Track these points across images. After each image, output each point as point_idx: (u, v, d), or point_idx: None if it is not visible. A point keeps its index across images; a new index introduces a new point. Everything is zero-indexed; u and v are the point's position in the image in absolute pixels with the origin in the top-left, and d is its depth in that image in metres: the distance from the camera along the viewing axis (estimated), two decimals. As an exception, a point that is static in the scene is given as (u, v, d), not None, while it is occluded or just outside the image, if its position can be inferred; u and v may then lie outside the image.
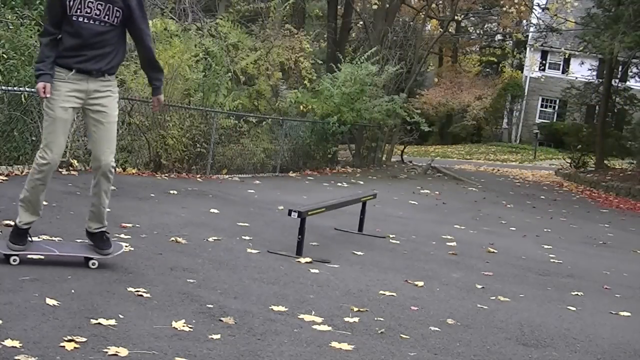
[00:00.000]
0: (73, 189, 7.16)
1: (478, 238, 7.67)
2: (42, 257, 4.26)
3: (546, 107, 37.88)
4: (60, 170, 8.22)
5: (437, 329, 3.89)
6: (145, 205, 6.89)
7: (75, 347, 2.97)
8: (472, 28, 42.90)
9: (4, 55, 8.40)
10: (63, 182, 7.49)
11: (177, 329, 3.36)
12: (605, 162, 21.83)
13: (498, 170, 23.84)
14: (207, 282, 4.33)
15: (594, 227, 10.07)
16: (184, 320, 3.47)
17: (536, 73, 37.13)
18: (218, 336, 3.33)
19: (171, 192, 8.04)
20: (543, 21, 25.47)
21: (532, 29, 29.40)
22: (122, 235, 5.32)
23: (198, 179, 10.28)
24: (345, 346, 3.39)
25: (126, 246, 4.94)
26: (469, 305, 4.52)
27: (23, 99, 8.13)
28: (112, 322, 3.33)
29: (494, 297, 4.81)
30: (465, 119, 37.25)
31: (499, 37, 41.59)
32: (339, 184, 12.60)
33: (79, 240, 4.80)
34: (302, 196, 9.73)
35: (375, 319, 3.95)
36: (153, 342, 3.16)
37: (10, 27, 8.96)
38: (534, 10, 26.58)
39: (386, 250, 6.26)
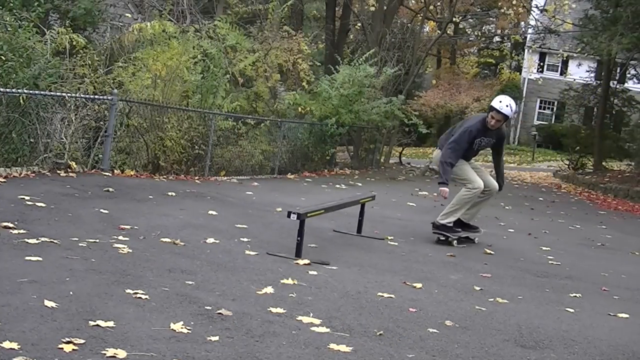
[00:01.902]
0: (71, 190, 7.15)
1: (476, 240, 7.66)
2: None
3: (544, 109, 37.94)
4: (58, 172, 8.22)
5: (435, 330, 3.89)
6: (143, 207, 6.89)
7: (73, 349, 2.97)
8: (470, 30, 42.96)
9: (2, 57, 8.40)
10: (61, 183, 7.49)
11: (175, 330, 3.36)
12: (603, 163, 21.87)
13: (496, 171, 23.81)
14: (206, 284, 4.33)
15: (592, 229, 10.08)
16: (182, 322, 3.46)
17: (534, 75, 37.18)
18: (216, 338, 3.33)
19: (169, 194, 8.03)
20: (541, 23, 25.49)
21: (530, 31, 29.43)
22: (120, 237, 5.31)
23: (196, 180, 10.27)
24: (343, 348, 3.39)
25: (124, 248, 4.94)
26: (467, 307, 4.52)
27: (21, 101, 8.13)
28: (111, 324, 3.33)
29: (492, 299, 4.81)
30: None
31: (497, 38, 41.66)
32: (337, 186, 12.60)
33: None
34: (300, 198, 9.73)
35: (374, 320, 3.95)
36: (151, 343, 3.15)
37: (9, 29, 8.96)
38: (531, 12, 26.60)
39: (384, 252, 6.26)
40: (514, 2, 24.30)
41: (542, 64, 37.32)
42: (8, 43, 8.66)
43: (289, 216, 5.49)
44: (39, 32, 9.94)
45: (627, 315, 4.78)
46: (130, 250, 4.93)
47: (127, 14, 17.95)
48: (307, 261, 5.30)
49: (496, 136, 7.10)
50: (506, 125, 7.61)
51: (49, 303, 3.49)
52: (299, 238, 5.47)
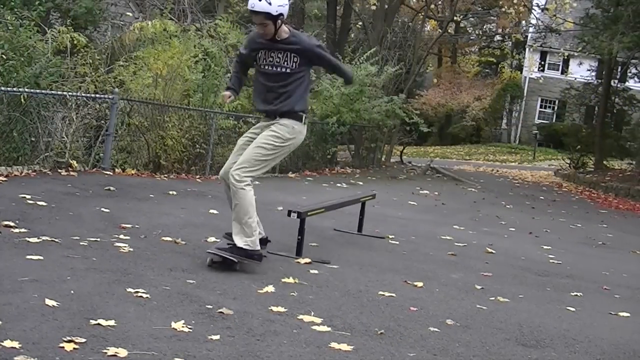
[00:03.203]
0: (72, 189, 7.15)
1: (477, 239, 7.67)
2: None
3: (545, 108, 37.94)
4: (59, 171, 8.23)
5: (436, 329, 3.89)
6: (144, 206, 6.89)
7: (74, 348, 2.97)
8: (471, 29, 42.97)
9: (3, 56, 8.41)
10: (62, 182, 7.49)
11: (176, 329, 3.36)
12: (604, 162, 21.86)
13: (497, 170, 23.85)
14: (206, 282, 4.33)
15: (593, 228, 10.08)
16: (183, 321, 3.47)
17: (535, 74, 37.18)
18: (217, 337, 3.33)
19: (170, 192, 8.03)
20: (542, 22, 25.48)
21: (531, 30, 29.42)
22: (121, 236, 5.31)
23: (197, 179, 10.27)
24: (344, 347, 3.39)
25: (125, 247, 4.94)
26: (468, 305, 4.52)
27: (22, 100, 8.13)
28: (112, 322, 3.33)
29: (493, 298, 4.81)
30: (464, 119, 37.31)
31: (498, 37, 41.64)
32: (338, 185, 12.60)
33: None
34: (301, 197, 9.72)
35: (375, 319, 3.95)
36: (152, 342, 3.16)
37: (10, 27, 8.96)
38: (532, 11, 26.59)
39: (385, 251, 6.26)
40: (515, 1, 24.26)
41: (543, 62, 37.33)
42: (9, 42, 8.67)
43: (289, 215, 5.49)
44: (40, 31, 9.95)
45: (628, 314, 4.77)
46: (131, 249, 4.93)
47: (128, 13, 17.97)
48: (308, 260, 5.30)
49: (294, 51, 4.82)
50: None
51: (50, 302, 3.49)
52: (299, 237, 5.47)
